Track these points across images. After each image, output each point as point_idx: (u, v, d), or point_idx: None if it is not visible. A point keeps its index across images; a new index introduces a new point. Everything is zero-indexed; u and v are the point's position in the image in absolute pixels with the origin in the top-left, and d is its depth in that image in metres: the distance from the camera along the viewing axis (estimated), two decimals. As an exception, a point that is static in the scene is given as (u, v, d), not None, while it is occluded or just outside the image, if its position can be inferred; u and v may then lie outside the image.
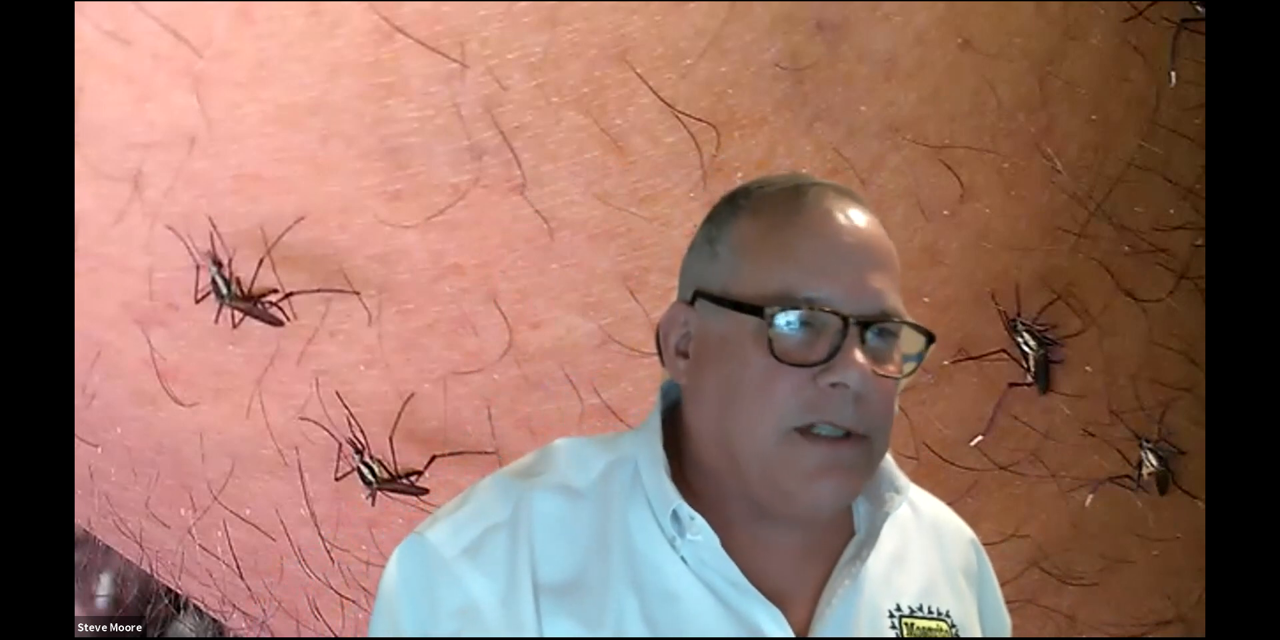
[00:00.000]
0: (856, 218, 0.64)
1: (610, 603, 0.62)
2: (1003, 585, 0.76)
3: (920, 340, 0.64)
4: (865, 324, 0.62)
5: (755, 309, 0.62)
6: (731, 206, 0.67)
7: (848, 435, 0.62)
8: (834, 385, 0.61)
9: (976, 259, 1.02)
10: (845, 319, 0.61)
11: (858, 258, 0.63)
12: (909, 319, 0.64)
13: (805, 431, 0.62)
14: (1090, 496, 1.09)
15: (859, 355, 0.61)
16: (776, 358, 0.61)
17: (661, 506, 0.64)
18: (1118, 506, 1.10)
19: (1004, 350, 1.04)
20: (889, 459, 0.70)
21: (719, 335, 0.64)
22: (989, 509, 1.07)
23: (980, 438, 1.06)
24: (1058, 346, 1.05)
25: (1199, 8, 0.97)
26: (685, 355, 0.66)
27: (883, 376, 0.62)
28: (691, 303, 0.66)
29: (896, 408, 0.65)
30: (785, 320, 0.62)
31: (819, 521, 0.65)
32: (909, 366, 0.64)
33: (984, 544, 0.75)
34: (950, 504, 0.75)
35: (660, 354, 0.68)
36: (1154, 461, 1.07)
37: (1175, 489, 1.09)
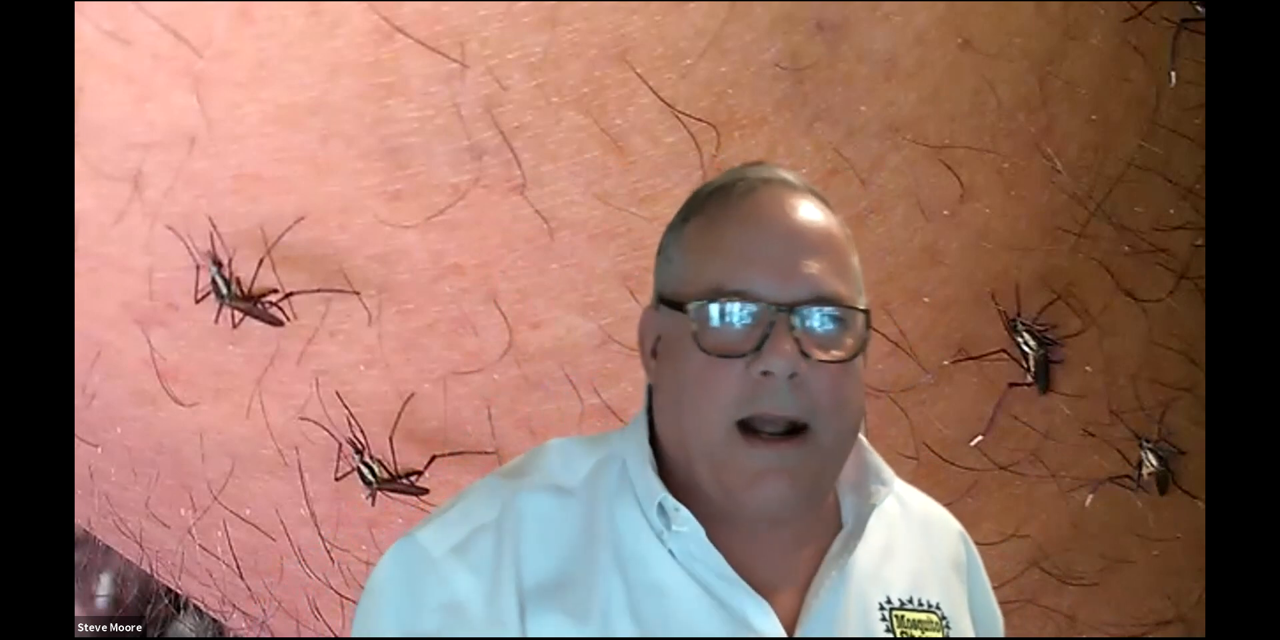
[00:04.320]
0: (787, 205, 0.64)
1: (597, 597, 0.62)
2: (1003, 585, 0.76)
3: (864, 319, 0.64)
4: (791, 309, 0.61)
5: (683, 306, 0.63)
6: (683, 210, 0.68)
7: (791, 433, 0.62)
8: (764, 373, 0.61)
9: (976, 259, 1.02)
10: (767, 307, 0.61)
11: (786, 244, 0.63)
12: (858, 303, 0.64)
13: (748, 429, 0.62)
14: (1090, 496, 1.09)
15: (786, 342, 0.61)
16: (705, 350, 0.62)
17: (648, 500, 0.64)
18: (1118, 506, 1.10)
19: (1004, 350, 1.04)
20: (874, 453, 0.70)
21: (671, 335, 0.65)
22: (989, 509, 1.07)
23: (980, 438, 1.06)
24: (1058, 346, 1.05)
25: (1199, 8, 0.97)
26: (656, 358, 0.67)
27: (824, 362, 0.62)
28: (657, 307, 0.67)
29: (859, 396, 0.64)
30: (708, 313, 0.62)
31: (776, 520, 0.65)
32: (848, 347, 0.63)
33: (984, 544, 0.75)
34: (950, 504, 0.75)
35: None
36: (1154, 461, 1.07)
37: (1175, 489, 1.09)
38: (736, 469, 0.62)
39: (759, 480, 0.62)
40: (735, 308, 0.62)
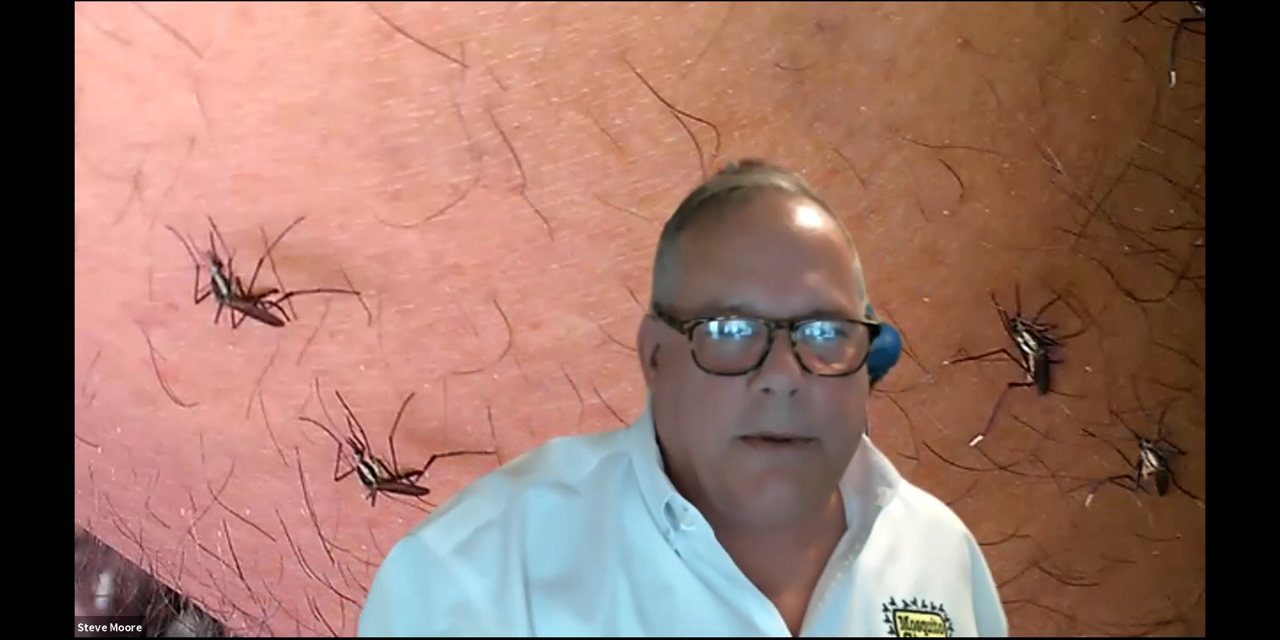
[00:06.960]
0: (783, 214, 0.63)
1: (603, 596, 0.62)
2: (1003, 585, 0.76)
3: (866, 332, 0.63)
4: (791, 325, 0.61)
5: (681, 323, 0.62)
6: (677, 217, 0.67)
7: (792, 438, 0.61)
8: (765, 390, 0.61)
9: (976, 259, 1.02)
10: (767, 323, 0.61)
11: (783, 256, 0.62)
12: (859, 312, 0.63)
13: (749, 438, 0.61)
14: (1090, 496, 1.09)
15: (787, 358, 0.60)
16: (704, 369, 0.61)
17: (655, 499, 0.64)
18: (1118, 506, 1.10)
19: (1004, 350, 1.04)
20: (880, 455, 0.70)
21: (669, 348, 0.65)
22: (989, 509, 1.07)
23: (980, 438, 1.06)
24: (1058, 346, 1.05)
25: (1199, 8, 0.97)
26: (656, 365, 0.67)
27: (825, 375, 0.61)
28: (655, 317, 0.66)
29: (861, 405, 0.64)
30: (707, 331, 0.61)
31: (777, 525, 0.64)
32: (850, 358, 0.62)
33: (984, 544, 0.75)
34: (950, 504, 0.75)
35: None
36: (1154, 461, 1.07)
37: (1175, 489, 1.09)
38: (740, 473, 0.61)
39: (763, 483, 0.61)
40: (733, 325, 0.61)
